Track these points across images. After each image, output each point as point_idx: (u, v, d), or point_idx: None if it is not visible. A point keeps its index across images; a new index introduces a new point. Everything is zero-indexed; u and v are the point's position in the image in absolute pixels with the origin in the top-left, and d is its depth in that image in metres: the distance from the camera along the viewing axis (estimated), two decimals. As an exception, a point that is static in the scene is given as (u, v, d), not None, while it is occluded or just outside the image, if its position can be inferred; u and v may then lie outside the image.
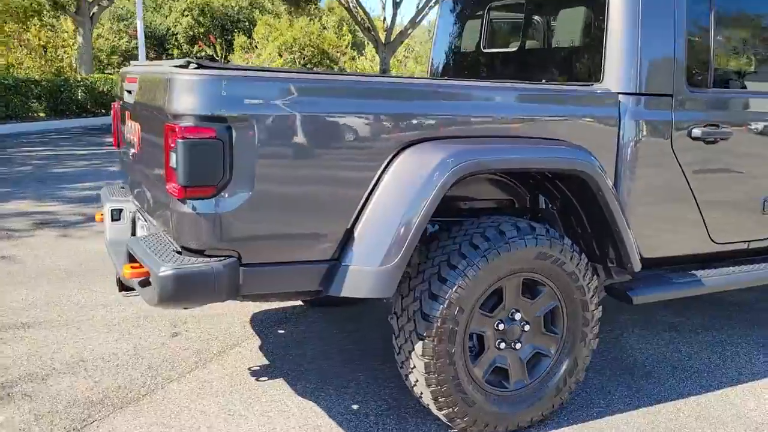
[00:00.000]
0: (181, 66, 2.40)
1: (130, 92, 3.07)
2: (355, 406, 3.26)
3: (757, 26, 3.71)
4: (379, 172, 2.55)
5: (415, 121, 2.61)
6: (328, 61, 29.74)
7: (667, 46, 3.10)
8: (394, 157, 2.56)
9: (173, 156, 2.29)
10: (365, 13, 24.83)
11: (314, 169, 2.45)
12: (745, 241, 3.56)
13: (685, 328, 4.40)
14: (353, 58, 31.98)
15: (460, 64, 4.53)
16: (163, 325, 4.26)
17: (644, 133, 3.07)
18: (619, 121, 3.01)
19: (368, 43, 30.31)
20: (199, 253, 2.40)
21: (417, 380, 2.77)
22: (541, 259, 2.79)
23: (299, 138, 2.41)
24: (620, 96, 3.03)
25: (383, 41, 24.95)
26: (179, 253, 2.45)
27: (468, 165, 2.58)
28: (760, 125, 3.44)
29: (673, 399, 3.41)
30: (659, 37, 3.08)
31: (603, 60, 3.10)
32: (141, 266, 2.46)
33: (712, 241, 3.40)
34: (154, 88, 2.61)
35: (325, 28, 33.69)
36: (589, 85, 3.14)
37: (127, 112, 3.22)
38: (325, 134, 2.46)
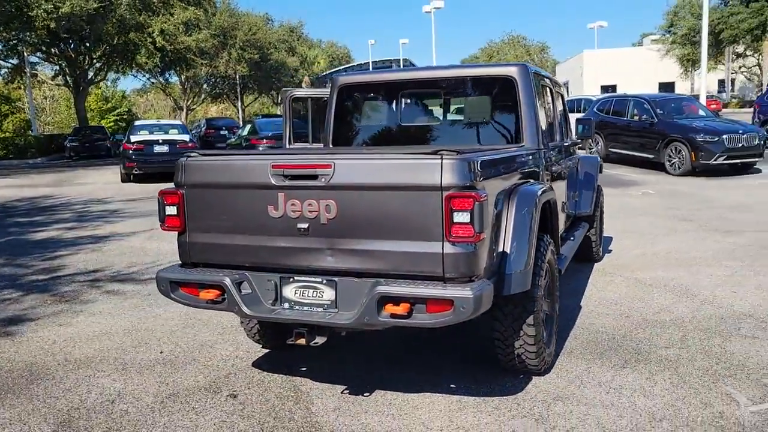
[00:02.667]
0: (434, 153, 3.24)
1: (304, 177, 3.46)
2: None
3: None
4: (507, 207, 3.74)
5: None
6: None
7: (539, 118, 4.76)
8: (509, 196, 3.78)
9: (463, 215, 3.15)
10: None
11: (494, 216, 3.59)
12: None
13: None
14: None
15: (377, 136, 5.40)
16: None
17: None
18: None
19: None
20: (466, 278, 3.28)
21: (523, 344, 3.84)
22: None
23: (494, 197, 3.60)
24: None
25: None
26: (442, 280, 3.28)
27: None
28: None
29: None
30: (538, 112, 4.76)
31: (522, 129, 4.69)
32: (406, 301, 3.25)
33: None
34: (396, 170, 3.31)
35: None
36: (521, 146, 4.66)
37: (286, 193, 3.50)
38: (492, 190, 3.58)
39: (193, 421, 3.72)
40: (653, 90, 47.56)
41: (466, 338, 4.84)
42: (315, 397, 3.95)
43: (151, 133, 18.21)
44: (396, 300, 3.25)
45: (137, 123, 20.63)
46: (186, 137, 17.87)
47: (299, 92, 6.36)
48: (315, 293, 3.54)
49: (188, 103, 50.95)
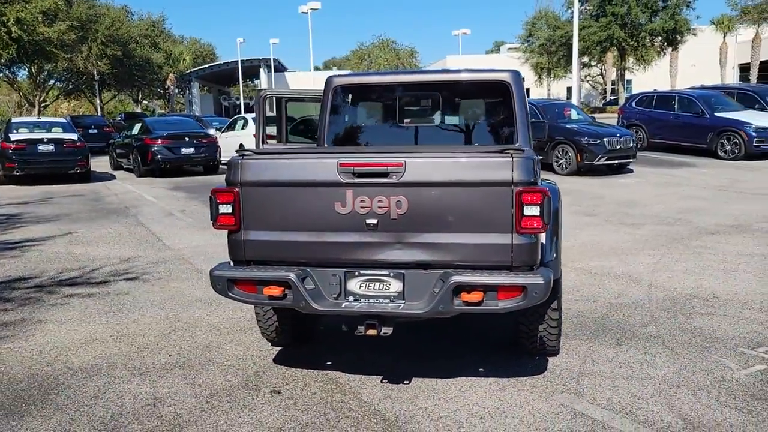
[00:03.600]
0: (502, 152, 3.57)
1: (375, 174, 3.64)
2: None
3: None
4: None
5: None
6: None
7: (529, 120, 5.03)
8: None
9: (533, 208, 3.47)
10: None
11: None
12: None
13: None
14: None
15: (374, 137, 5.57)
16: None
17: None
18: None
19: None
20: (528, 267, 3.60)
21: (546, 327, 4.22)
22: None
23: None
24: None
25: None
26: (509, 269, 3.59)
27: None
28: None
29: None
30: (528, 115, 5.04)
31: (516, 131, 4.94)
32: (478, 289, 3.54)
33: None
34: (467, 167, 3.60)
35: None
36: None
37: (354, 190, 3.66)
38: None
39: (253, 417, 3.77)
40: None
41: (474, 327, 5.18)
42: (359, 388, 4.11)
43: (32, 131, 16.91)
44: (470, 288, 3.52)
45: (15, 120, 19.04)
46: (74, 136, 16.78)
47: (272, 92, 6.40)
48: (382, 286, 3.72)
49: (40, 99, 47.28)
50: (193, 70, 66.29)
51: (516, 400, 3.89)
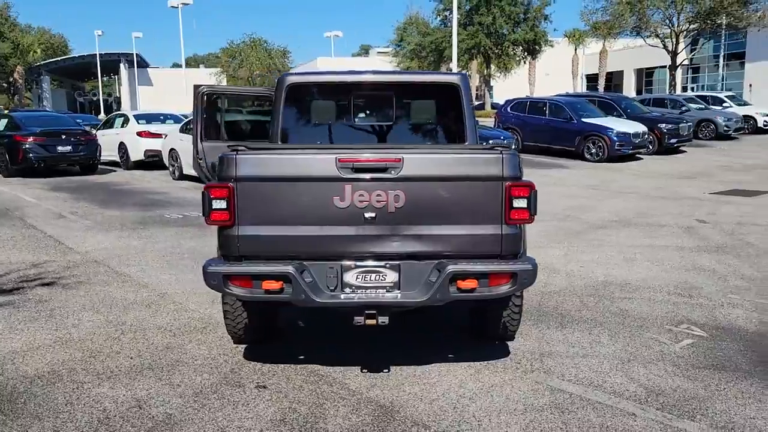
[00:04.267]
0: (491, 149, 3.89)
1: (374, 170, 3.81)
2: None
3: None
4: None
5: None
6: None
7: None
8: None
9: (522, 201, 3.80)
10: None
11: None
12: None
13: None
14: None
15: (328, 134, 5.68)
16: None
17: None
18: None
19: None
20: (513, 255, 3.93)
21: (510, 313, 4.53)
22: None
23: None
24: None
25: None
26: (498, 257, 3.90)
27: None
28: None
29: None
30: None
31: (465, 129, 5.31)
32: (473, 277, 3.80)
33: None
34: (461, 163, 3.85)
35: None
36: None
37: (353, 184, 3.81)
38: None
39: (249, 411, 3.79)
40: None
41: (433, 317, 5.42)
42: (343, 379, 4.23)
43: None
44: (466, 276, 3.76)
45: None
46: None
47: (211, 88, 6.30)
48: (378, 277, 3.87)
49: None
50: (43, 62, 61.71)
51: (494, 381, 4.19)
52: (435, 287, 3.76)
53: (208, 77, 52.35)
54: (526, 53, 46.13)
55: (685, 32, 37.30)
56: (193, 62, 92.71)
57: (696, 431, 3.57)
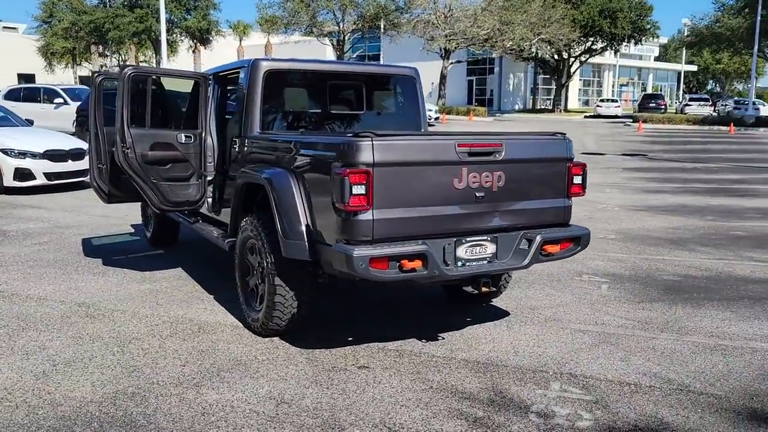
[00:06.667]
0: (558, 134, 4.69)
1: (484, 154, 4.32)
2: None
3: None
4: None
5: None
6: None
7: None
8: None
9: (578, 178, 4.71)
10: None
11: None
12: None
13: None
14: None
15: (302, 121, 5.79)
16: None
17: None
18: None
19: None
20: (566, 224, 4.76)
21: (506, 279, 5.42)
22: None
23: None
24: None
25: None
26: (563, 225, 4.73)
27: None
28: None
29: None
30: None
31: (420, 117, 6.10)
32: (556, 243, 4.58)
33: None
34: (542, 146, 4.67)
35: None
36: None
37: (468, 167, 4.25)
38: None
39: (271, 383, 4.02)
40: (13, 80, 44.78)
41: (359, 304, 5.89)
42: (422, 349, 4.58)
43: None
44: (552, 243, 4.55)
45: None
46: None
47: (137, 70, 5.71)
48: (481, 249, 4.36)
49: None
50: None
51: (528, 331, 5.03)
52: (531, 253, 4.43)
53: None
54: (196, 42, 45.57)
55: (349, 33, 41.34)
56: None
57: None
